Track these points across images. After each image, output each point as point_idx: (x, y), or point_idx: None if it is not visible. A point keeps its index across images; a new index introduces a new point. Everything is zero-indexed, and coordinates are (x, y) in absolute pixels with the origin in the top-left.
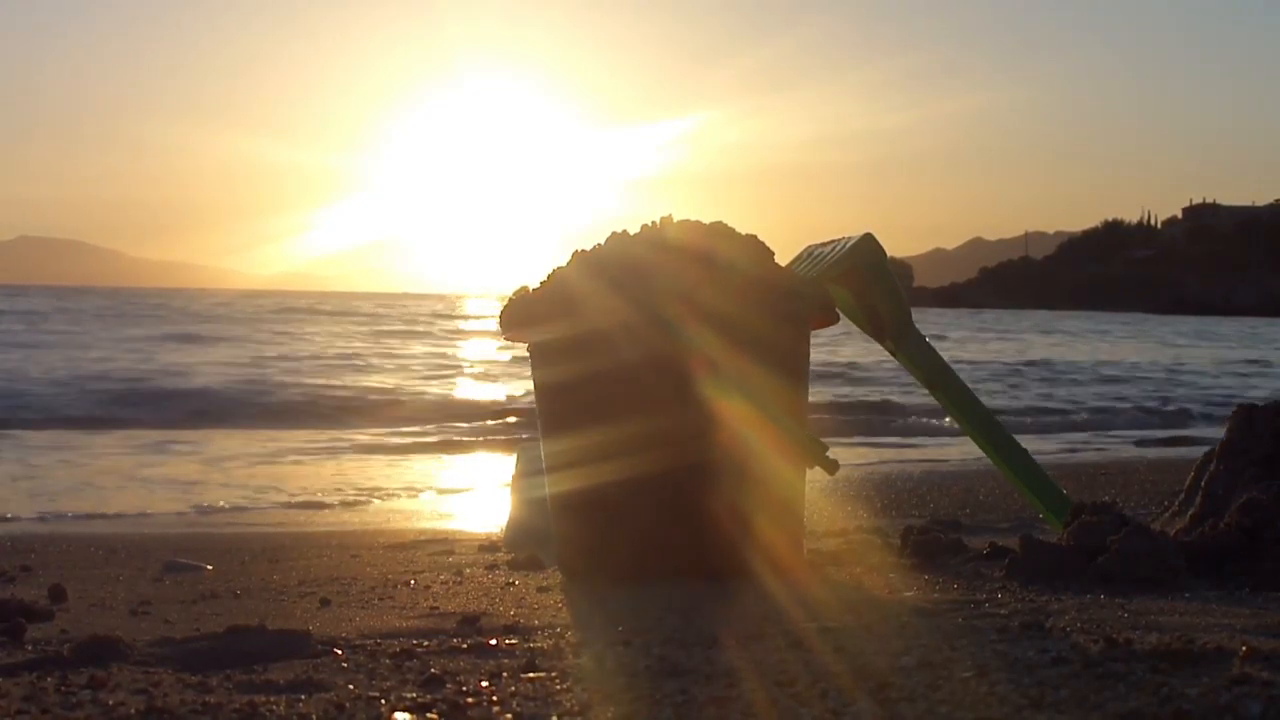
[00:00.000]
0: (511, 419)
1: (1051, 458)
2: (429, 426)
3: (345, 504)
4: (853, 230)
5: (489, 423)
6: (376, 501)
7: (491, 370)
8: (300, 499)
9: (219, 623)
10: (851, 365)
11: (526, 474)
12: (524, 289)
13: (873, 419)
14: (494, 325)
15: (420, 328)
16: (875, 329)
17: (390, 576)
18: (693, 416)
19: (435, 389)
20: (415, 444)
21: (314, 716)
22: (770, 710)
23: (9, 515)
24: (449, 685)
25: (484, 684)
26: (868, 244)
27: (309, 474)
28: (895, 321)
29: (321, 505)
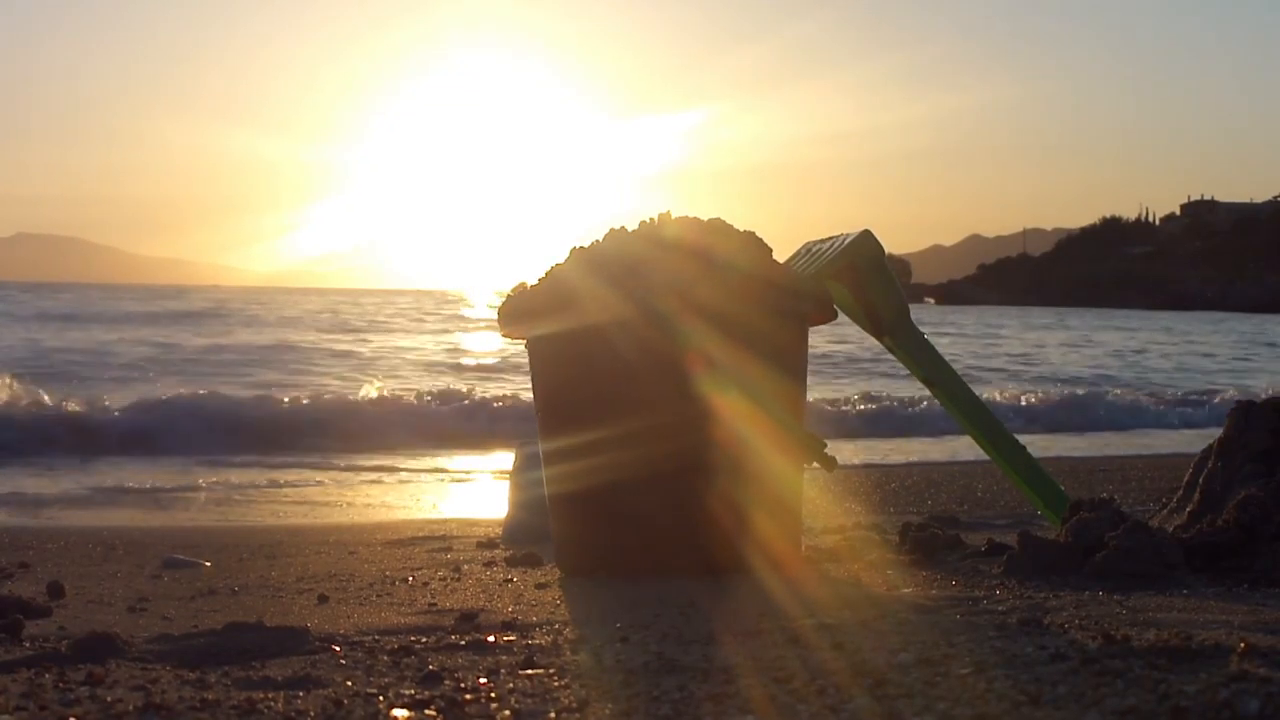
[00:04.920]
0: (509, 416)
1: (1049, 454)
2: (426, 422)
3: (343, 501)
4: (851, 227)
5: (487, 419)
6: (374, 498)
7: (490, 366)
8: (299, 496)
9: (217, 619)
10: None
11: (524, 470)
12: (522, 285)
13: (871, 415)
14: (493, 321)
15: (419, 323)
16: (873, 326)
17: (388, 573)
18: (691, 413)
19: (433, 384)
20: (413, 440)
21: (312, 713)
22: (768, 706)
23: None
24: (447, 682)
25: (482, 680)
26: (866, 240)
27: (307, 471)
28: (893, 318)
29: (319, 502)
